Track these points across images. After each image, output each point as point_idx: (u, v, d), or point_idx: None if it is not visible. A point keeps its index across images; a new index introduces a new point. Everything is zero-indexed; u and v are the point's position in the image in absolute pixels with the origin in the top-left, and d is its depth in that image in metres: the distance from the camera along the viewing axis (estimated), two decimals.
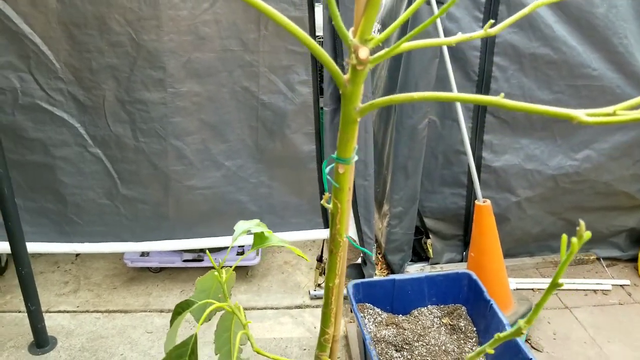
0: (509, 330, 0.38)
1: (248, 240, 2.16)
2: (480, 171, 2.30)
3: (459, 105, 1.99)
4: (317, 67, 1.99)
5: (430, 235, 2.51)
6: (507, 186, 2.34)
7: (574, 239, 0.30)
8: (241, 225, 0.77)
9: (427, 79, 2.12)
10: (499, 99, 0.34)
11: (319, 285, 2.47)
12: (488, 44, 2.10)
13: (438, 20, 1.94)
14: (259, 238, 0.77)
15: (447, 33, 2.07)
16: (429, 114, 2.22)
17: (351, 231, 2.31)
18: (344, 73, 0.41)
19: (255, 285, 2.52)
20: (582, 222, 0.29)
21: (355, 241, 2.25)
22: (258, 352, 0.78)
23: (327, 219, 2.28)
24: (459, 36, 0.44)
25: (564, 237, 0.30)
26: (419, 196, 2.36)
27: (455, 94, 0.37)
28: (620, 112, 0.29)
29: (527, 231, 2.48)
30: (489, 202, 2.00)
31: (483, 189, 2.29)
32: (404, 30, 2.15)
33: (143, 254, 2.48)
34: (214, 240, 2.20)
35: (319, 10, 2.11)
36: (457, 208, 2.41)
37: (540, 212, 2.42)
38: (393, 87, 2.28)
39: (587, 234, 0.29)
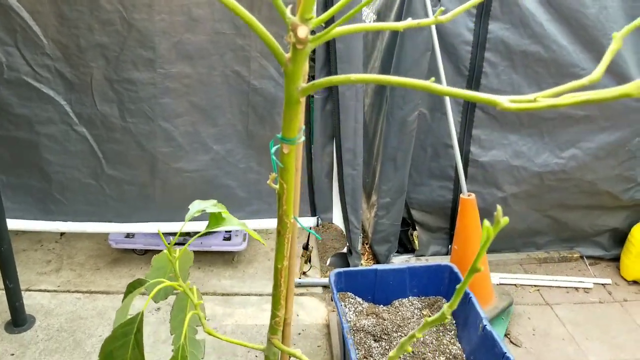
0: (488, 323, 0.38)
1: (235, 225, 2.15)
2: (468, 165, 2.31)
3: (447, 99, 2.00)
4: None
5: (417, 227, 2.52)
6: (494, 181, 2.35)
7: (486, 223, 0.30)
8: (196, 205, 0.75)
9: (418, 71, 2.12)
10: (429, 83, 0.35)
11: (304, 273, 2.47)
12: (480, 39, 2.11)
13: (430, 10, 1.94)
14: (215, 219, 0.74)
15: (440, 26, 2.07)
16: (419, 106, 2.23)
17: (338, 220, 2.32)
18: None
19: (240, 271, 2.52)
20: (499, 207, 0.30)
21: (311, 227, 2.25)
22: (209, 334, 0.76)
23: (314, 207, 2.29)
24: (408, 22, 0.44)
25: (485, 222, 0.31)
26: (407, 188, 2.37)
27: (391, 77, 0.38)
28: (541, 99, 0.30)
29: (512, 227, 2.49)
30: (473, 196, 2.01)
31: (470, 183, 2.30)
32: (398, 17, 2.15)
33: (128, 235, 2.47)
34: (199, 224, 2.19)
35: None
36: (444, 201, 2.43)
37: (525, 209, 2.44)
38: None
39: (505, 220, 0.30)
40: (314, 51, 2.16)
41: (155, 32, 1.84)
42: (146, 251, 2.58)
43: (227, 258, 2.60)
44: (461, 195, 2.04)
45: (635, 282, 2.49)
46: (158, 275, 0.76)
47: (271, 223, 2.24)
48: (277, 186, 0.55)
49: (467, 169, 2.31)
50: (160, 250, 2.56)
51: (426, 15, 1.98)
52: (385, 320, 1.89)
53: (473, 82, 2.18)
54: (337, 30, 0.40)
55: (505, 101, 0.31)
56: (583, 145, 2.30)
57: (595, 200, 2.45)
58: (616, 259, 2.59)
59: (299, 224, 0.70)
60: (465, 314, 1.84)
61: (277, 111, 2.04)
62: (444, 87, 0.35)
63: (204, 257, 2.57)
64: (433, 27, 1.97)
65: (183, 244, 2.46)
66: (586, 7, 2.05)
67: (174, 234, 2.44)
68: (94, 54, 1.86)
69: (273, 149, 0.58)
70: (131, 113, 1.98)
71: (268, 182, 0.58)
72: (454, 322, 1.93)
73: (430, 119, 2.29)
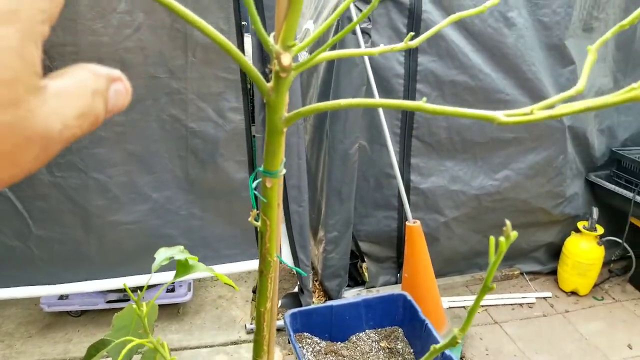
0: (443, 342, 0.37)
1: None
2: (410, 193, 2.36)
3: (386, 130, 2.04)
4: (248, 94, 1.97)
5: (366, 259, 2.53)
6: (435, 207, 2.42)
7: (502, 238, 0.30)
8: (163, 253, 0.70)
9: None
10: (421, 104, 0.34)
11: (254, 317, 2.39)
12: (411, 72, 2.19)
13: (362, 45, 2.00)
14: (183, 267, 0.70)
15: (372, 61, 2.14)
16: (359, 139, 2.26)
17: (287, 259, 2.28)
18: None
19: (187, 323, 2.39)
20: (508, 222, 0.30)
21: (282, 276, 2.21)
22: None
23: None
24: (381, 47, 0.44)
25: (492, 239, 0.30)
26: (353, 220, 2.38)
27: (380, 99, 0.38)
28: (537, 111, 0.31)
29: (456, 250, 2.56)
30: (418, 222, 2.05)
31: (413, 210, 2.35)
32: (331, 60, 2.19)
33: (62, 297, 2.28)
34: (140, 278, 2.07)
35: (248, 40, 2.12)
36: (389, 230, 2.45)
37: (466, 231, 2.52)
38: (324, 113, 2.31)
39: (514, 234, 0.29)
40: (252, 91, 2.15)
41: None
42: (82, 312, 2.40)
43: (172, 311, 2.46)
44: (407, 223, 2.07)
45: (573, 293, 2.62)
46: (121, 334, 0.69)
47: (218, 270, 2.15)
48: (258, 223, 0.52)
49: (409, 196, 2.36)
50: (99, 310, 2.36)
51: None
52: (344, 357, 1.85)
53: (407, 112, 2.25)
54: (322, 55, 0.39)
55: (501, 116, 0.31)
56: (514, 166, 2.42)
57: (530, 218, 2.57)
58: (554, 272, 2.71)
59: (283, 262, 0.67)
60: (422, 342, 1.84)
61: (218, 153, 2.00)
62: (437, 106, 0.34)
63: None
64: (367, 62, 2.03)
65: (123, 301, 2.31)
66: (505, 36, 2.20)
67: (113, 292, 2.29)
68: None
69: (254, 184, 0.55)
70: (60, 167, 1.86)
71: (249, 219, 0.55)
72: (412, 351, 1.92)
73: (370, 150, 2.33)
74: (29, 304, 2.46)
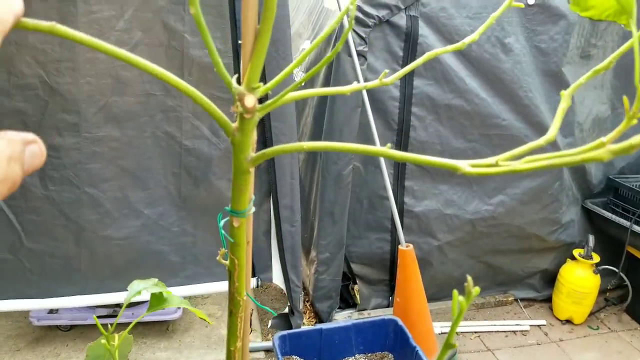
0: None
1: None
2: (403, 216, 2.35)
3: None
4: None
5: (358, 281, 2.51)
6: (429, 230, 2.40)
7: (461, 299, 0.29)
8: (136, 285, 0.70)
9: (350, 126, 2.17)
10: (386, 150, 0.34)
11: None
12: (406, 95, 2.20)
13: (359, 71, 2.01)
14: (157, 299, 0.70)
15: (367, 82, 2.14)
16: (353, 161, 2.26)
17: (279, 280, 2.26)
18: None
19: (176, 341, 2.37)
20: (469, 278, 0.29)
21: (273, 297, 2.20)
22: None
23: (253, 267, 2.22)
24: (354, 85, 0.44)
25: (455, 293, 0.29)
26: (346, 242, 2.37)
27: (344, 144, 0.38)
28: (502, 162, 0.30)
29: (449, 274, 2.54)
30: (411, 246, 2.04)
31: (406, 233, 2.34)
32: (327, 77, 2.21)
33: (52, 311, 2.27)
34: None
35: None
36: (382, 253, 2.44)
37: (460, 256, 2.50)
38: (319, 133, 2.32)
39: (476, 290, 0.29)
40: None
41: (80, 96, 1.77)
42: (72, 327, 2.38)
43: (161, 328, 2.44)
44: (400, 247, 2.06)
45: (568, 321, 2.58)
46: None
47: (209, 288, 2.14)
48: (227, 262, 0.51)
49: (402, 219, 2.35)
50: (88, 325, 2.35)
51: (354, 73, 2.04)
52: None
53: (402, 135, 2.26)
54: (289, 96, 0.39)
55: (465, 166, 0.31)
56: (509, 192, 2.41)
57: (524, 244, 2.55)
58: (548, 300, 2.68)
59: (254, 302, 0.66)
60: None
61: (212, 171, 2.00)
62: (402, 153, 0.34)
63: (136, 329, 2.40)
64: (362, 82, 2.04)
65: (112, 316, 2.29)
66: (501, 62, 2.21)
67: (102, 307, 2.27)
68: (12, 120, 1.76)
69: (221, 223, 0.55)
70: (53, 181, 1.86)
71: (217, 258, 0.54)
72: None
73: (365, 172, 2.33)
74: (18, 317, 2.44)
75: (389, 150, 0.35)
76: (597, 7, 0.37)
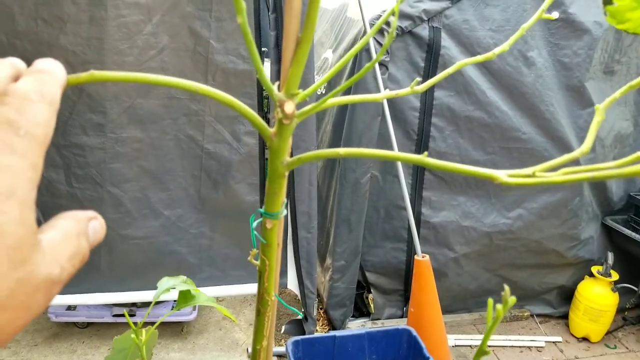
0: None
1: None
2: (420, 226, 2.35)
3: (399, 162, 2.05)
4: (264, 119, 2.01)
5: (372, 290, 2.50)
6: (445, 242, 2.40)
7: (499, 306, 0.30)
8: (165, 282, 0.72)
9: (369, 135, 2.18)
10: (422, 158, 0.35)
11: None
12: (427, 105, 2.21)
13: (380, 81, 2.02)
14: (184, 297, 0.71)
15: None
16: (371, 169, 2.27)
17: (293, 285, 2.27)
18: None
19: (190, 342, 2.39)
20: (507, 288, 0.30)
21: (288, 302, 2.21)
22: None
23: None
24: (386, 93, 0.45)
25: (490, 302, 0.30)
26: (361, 250, 2.37)
27: (381, 151, 0.38)
28: (539, 173, 0.31)
29: (465, 287, 2.52)
30: (427, 257, 2.03)
31: (422, 244, 2.33)
32: (348, 88, 2.23)
33: (69, 307, 2.31)
34: (148, 293, 2.09)
35: (267, 65, 2.16)
36: (397, 263, 2.44)
37: (476, 268, 2.49)
38: (338, 141, 2.33)
39: (512, 300, 0.30)
40: (268, 117, 2.19)
41: (107, 96, 1.81)
42: (89, 324, 2.42)
43: (175, 329, 2.46)
44: (415, 257, 2.06)
45: (584, 339, 2.54)
46: (120, 357, 0.71)
47: (224, 290, 2.16)
48: (258, 262, 0.53)
49: (419, 230, 2.35)
50: (104, 323, 2.39)
51: (375, 82, 2.06)
52: None
53: (422, 145, 2.26)
54: (330, 101, 0.40)
55: (503, 176, 0.31)
56: (528, 205, 2.39)
57: (542, 259, 2.53)
58: (565, 316, 2.65)
59: (282, 302, 0.67)
60: None
61: (231, 175, 2.03)
62: (438, 161, 0.35)
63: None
64: (382, 91, 2.05)
65: (131, 315, 2.32)
66: (523, 75, 2.21)
67: (119, 305, 2.31)
68: None
69: (254, 224, 0.56)
70: (78, 179, 1.90)
71: (249, 258, 0.55)
72: None
73: (382, 181, 2.33)
74: None
75: (425, 158, 0.35)
76: (633, 21, 0.38)
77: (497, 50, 0.49)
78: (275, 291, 0.57)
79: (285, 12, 0.44)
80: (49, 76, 0.28)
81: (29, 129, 0.25)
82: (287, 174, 0.42)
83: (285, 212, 0.51)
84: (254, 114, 0.39)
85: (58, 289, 0.25)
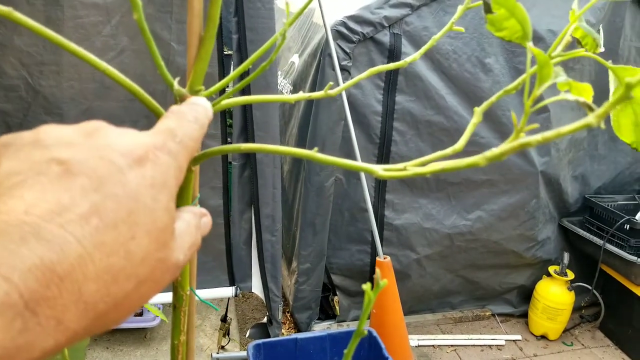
0: None
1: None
2: (383, 229, 2.38)
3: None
4: (226, 121, 2.01)
5: (337, 292, 2.52)
6: (408, 244, 2.44)
7: (366, 287, 0.33)
8: None
9: (332, 139, 2.21)
10: (312, 153, 0.38)
11: (222, 347, 2.36)
12: (388, 110, 2.25)
13: (342, 85, 2.05)
14: None
15: (352, 97, 2.20)
16: (335, 172, 2.29)
17: (258, 289, 2.26)
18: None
19: (153, 349, 2.36)
20: (378, 271, 0.32)
21: (254, 306, 2.20)
22: None
23: (233, 276, 2.23)
24: (299, 94, 0.48)
25: (367, 286, 0.32)
26: (327, 253, 2.39)
27: (274, 146, 0.40)
28: (410, 167, 0.34)
29: (428, 288, 2.57)
30: (389, 258, 2.06)
31: (386, 246, 2.37)
32: (312, 88, 2.25)
33: None
34: None
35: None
36: (362, 264, 2.46)
37: (438, 269, 2.54)
38: (302, 144, 2.35)
39: (384, 282, 0.32)
40: (231, 116, 2.19)
41: (63, 98, 1.78)
42: None
43: (138, 335, 2.43)
44: (377, 258, 2.08)
45: (543, 337, 2.62)
46: None
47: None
48: None
49: (382, 232, 2.38)
50: None
51: (337, 86, 2.08)
52: None
53: (384, 149, 2.30)
54: (225, 102, 0.42)
55: (379, 170, 0.34)
56: (487, 207, 2.46)
57: (502, 260, 2.59)
58: (525, 315, 2.72)
59: (197, 297, 0.68)
60: None
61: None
62: (326, 156, 0.37)
63: (113, 336, 2.39)
64: (345, 99, 2.08)
65: None
66: (481, 81, 2.27)
67: None
68: None
69: None
70: None
71: None
72: None
73: (347, 184, 2.36)
74: None
75: (316, 154, 0.37)
76: (509, 29, 0.41)
77: (409, 59, 0.52)
78: (192, 284, 0.57)
79: (188, 10, 0.45)
80: (201, 108, 0.35)
81: (183, 138, 0.30)
82: (195, 169, 0.43)
83: (198, 207, 0.51)
84: (151, 100, 0.40)
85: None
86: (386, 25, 2.14)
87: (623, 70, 0.43)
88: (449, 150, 0.36)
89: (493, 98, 0.40)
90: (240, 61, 1.92)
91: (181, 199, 0.42)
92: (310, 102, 2.31)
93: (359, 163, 0.35)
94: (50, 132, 0.27)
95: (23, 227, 0.21)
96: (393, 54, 2.17)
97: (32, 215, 0.22)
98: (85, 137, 0.27)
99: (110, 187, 0.25)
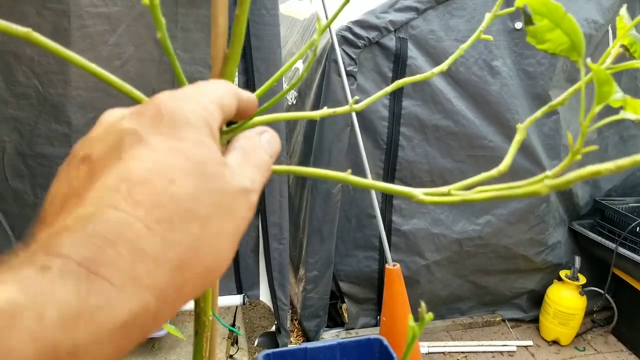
0: None
1: None
2: (391, 234, 2.36)
3: (368, 171, 2.06)
4: None
5: (345, 300, 2.50)
6: (417, 249, 2.41)
7: (414, 324, 0.31)
8: None
9: (339, 146, 2.20)
10: (346, 175, 0.36)
11: (230, 356, 2.34)
12: (395, 115, 2.23)
13: (347, 91, 2.04)
14: None
15: (357, 103, 2.18)
16: None
17: (266, 297, 2.25)
18: None
19: (161, 358, 2.34)
20: (423, 304, 0.31)
21: (262, 314, 2.19)
22: None
23: (240, 284, 2.21)
24: (324, 111, 0.46)
25: (410, 318, 0.31)
26: (334, 260, 2.37)
27: (306, 168, 0.39)
28: (454, 192, 0.32)
29: (437, 294, 2.54)
30: (398, 266, 2.04)
31: (394, 252, 2.34)
32: (317, 97, 2.24)
33: None
34: None
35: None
36: (370, 271, 2.44)
37: (448, 275, 2.51)
38: (309, 151, 2.34)
39: (430, 316, 0.30)
40: None
41: (71, 106, 1.79)
42: None
43: (146, 345, 2.41)
44: (386, 266, 2.06)
45: (555, 342, 2.58)
46: None
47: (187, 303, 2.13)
48: None
49: (390, 238, 2.36)
50: None
51: (344, 93, 2.07)
52: None
53: (391, 154, 2.28)
54: (255, 120, 0.40)
55: (420, 194, 0.32)
56: (496, 212, 2.43)
57: (511, 264, 2.56)
58: (536, 320, 2.68)
59: (221, 322, 0.66)
60: None
61: None
62: (359, 179, 0.36)
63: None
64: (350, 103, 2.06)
65: None
66: (489, 84, 2.25)
67: None
68: (8, 127, 1.78)
69: None
70: (43, 189, 1.87)
71: None
72: None
73: (353, 190, 2.34)
74: None
75: (349, 176, 0.36)
76: (553, 42, 0.39)
77: (436, 70, 0.50)
78: (214, 309, 0.55)
79: (212, 29, 0.44)
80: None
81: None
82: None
83: None
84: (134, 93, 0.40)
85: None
86: (392, 29, 2.13)
87: None
88: (494, 172, 0.35)
89: (538, 113, 0.38)
90: (245, 68, 1.91)
91: None
92: (316, 109, 2.29)
93: (398, 187, 0.33)
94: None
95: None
96: (399, 58, 2.16)
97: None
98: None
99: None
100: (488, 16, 0.52)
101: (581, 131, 0.33)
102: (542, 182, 0.29)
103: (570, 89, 0.39)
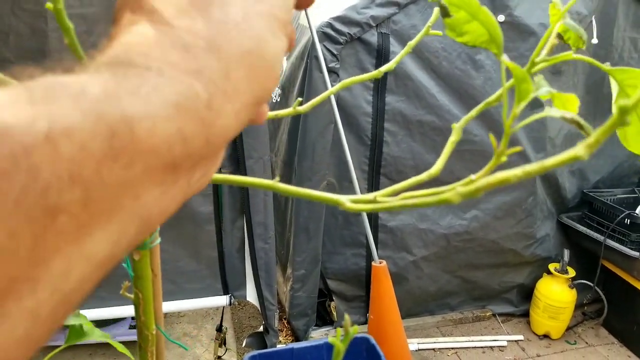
0: None
1: None
2: (378, 231, 2.35)
3: (352, 168, 2.04)
4: None
5: (334, 298, 2.49)
6: (404, 245, 2.40)
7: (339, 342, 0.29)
8: None
9: (322, 142, 2.18)
10: (274, 183, 0.35)
11: (219, 357, 2.33)
12: (378, 111, 2.21)
13: (329, 87, 2.02)
14: (76, 332, 0.65)
15: (341, 99, 2.17)
16: (327, 176, 2.26)
17: (252, 297, 2.23)
18: None
19: None
20: (347, 317, 0.29)
21: (251, 314, 2.17)
22: None
23: (226, 285, 2.19)
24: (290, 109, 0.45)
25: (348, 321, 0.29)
26: (321, 258, 2.35)
27: (237, 177, 0.38)
28: (380, 198, 0.31)
29: (426, 290, 2.53)
30: (384, 263, 2.03)
31: (381, 248, 2.33)
32: (300, 94, 2.22)
33: None
34: (99, 311, 2.02)
35: None
36: (358, 268, 2.43)
37: (436, 271, 2.50)
38: (293, 149, 2.32)
39: (355, 329, 0.29)
40: None
41: None
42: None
43: (134, 348, 2.39)
44: (373, 263, 2.05)
45: (545, 336, 2.57)
46: None
47: (178, 305, 2.11)
48: (131, 295, 0.50)
49: (377, 234, 2.35)
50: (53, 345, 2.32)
51: (325, 89, 2.05)
52: None
53: (376, 150, 2.26)
54: None
55: (347, 201, 0.31)
56: (482, 206, 2.42)
57: (500, 259, 2.55)
58: (526, 314, 2.67)
59: (166, 336, 0.64)
60: None
61: None
62: (288, 186, 0.35)
63: (108, 349, 2.36)
64: (333, 101, 2.05)
65: None
66: (472, 78, 2.24)
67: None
68: None
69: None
70: None
71: (121, 292, 0.52)
72: None
73: (339, 187, 2.32)
74: None
75: (277, 184, 0.35)
76: (471, 34, 0.37)
77: (383, 69, 0.49)
78: (158, 322, 0.54)
79: None
80: None
81: None
82: None
83: (158, 240, 0.48)
84: None
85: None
86: (373, 25, 2.11)
87: (621, 73, 0.39)
88: (424, 176, 0.33)
89: (473, 112, 0.37)
90: None
91: None
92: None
93: (324, 194, 0.32)
94: None
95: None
96: (381, 54, 2.14)
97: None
98: None
99: None
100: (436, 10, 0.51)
101: (504, 132, 0.31)
102: (454, 191, 0.27)
103: (507, 84, 0.38)
